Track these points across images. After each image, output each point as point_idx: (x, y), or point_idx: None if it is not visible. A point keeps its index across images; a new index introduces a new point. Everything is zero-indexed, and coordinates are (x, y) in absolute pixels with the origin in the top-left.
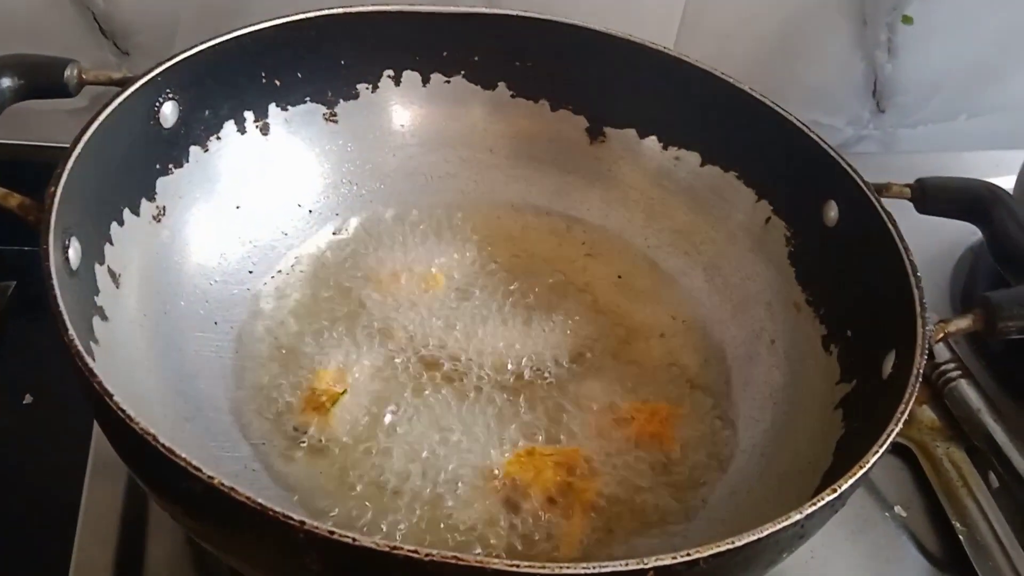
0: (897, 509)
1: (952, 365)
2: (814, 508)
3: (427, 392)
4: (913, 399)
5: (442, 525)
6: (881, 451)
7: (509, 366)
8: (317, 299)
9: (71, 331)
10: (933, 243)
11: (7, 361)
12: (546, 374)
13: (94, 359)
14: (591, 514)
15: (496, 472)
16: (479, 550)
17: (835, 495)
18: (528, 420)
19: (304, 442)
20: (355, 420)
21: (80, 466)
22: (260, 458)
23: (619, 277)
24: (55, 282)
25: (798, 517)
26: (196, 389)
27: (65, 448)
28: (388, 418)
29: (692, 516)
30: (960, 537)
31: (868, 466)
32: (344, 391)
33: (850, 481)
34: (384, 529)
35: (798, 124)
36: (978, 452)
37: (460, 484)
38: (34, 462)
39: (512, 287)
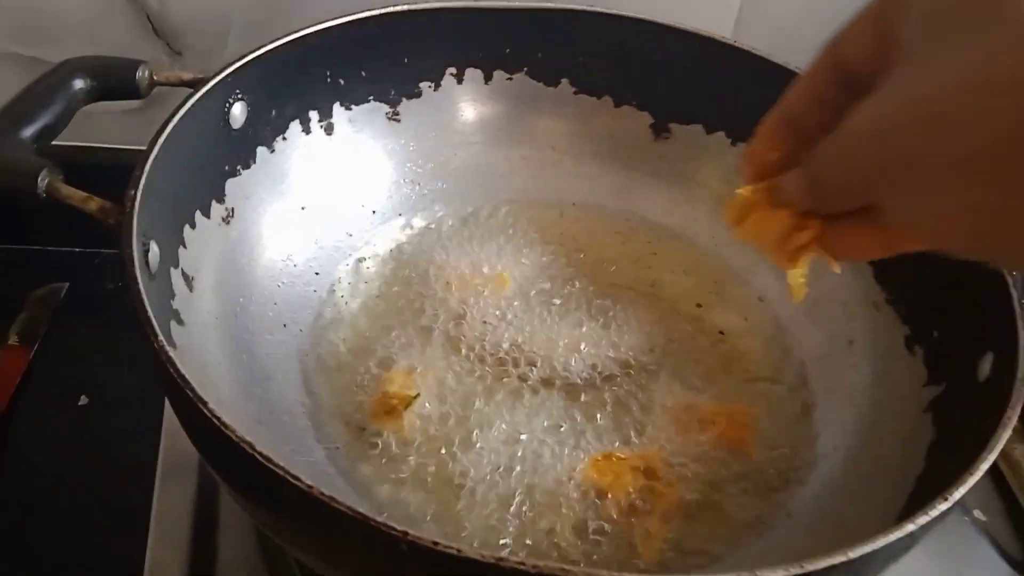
0: (976, 513)
1: None
2: (928, 518)
3: (499, 394)
4: (1021, 402)
5: (520, 530)
6: (991, 457)
7: (580, 367)
8: (383, 300)
9: (160, 337)
10: None
11: (61, 362)
12: (619, 375)
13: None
14: (671, 519)
15: (574, 476)
16: (556, 555)
17: (948, 503)
18: (604, 422)
19: (378, 445)
20: (427, 423)
21: (143, 466)
22: (334, 462)
23: (685, 276)
24: (141, 287)
25: (912, 528)
26: (268, 392)
27: (126, 449)
28: (461, 421)
29: (776, 522)
30: None
31: (979, 473)
32: (417, 395)
33: (961, 489)
34: (464, 535)
35: None
36: None
37: (537, 488)
38: (95, 464)
39: (578, 286)
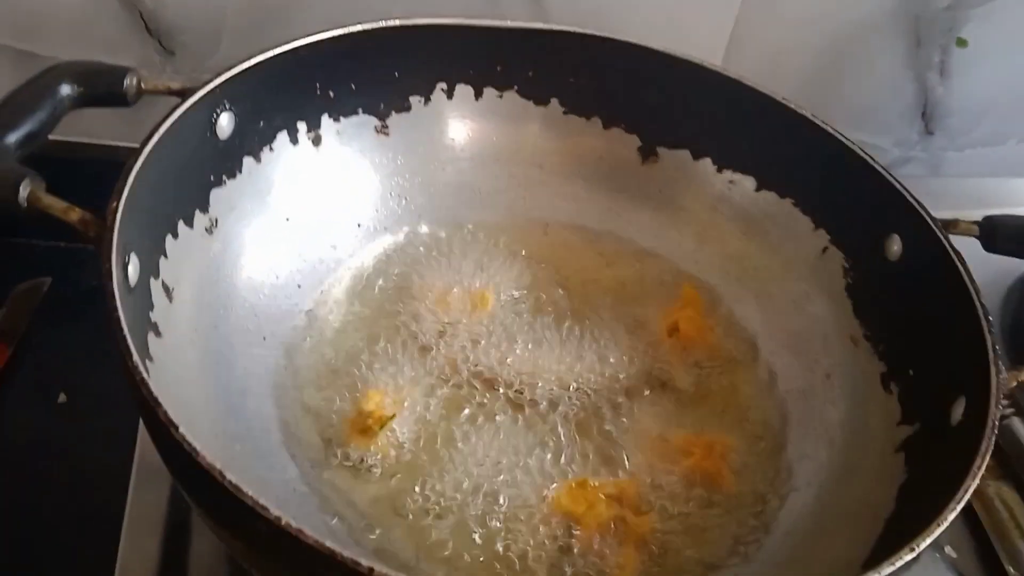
0: (948, 550)
1: (1005, 403)
2: (893, 568)
3: (476, 416)
4: (989, 452)
5: (491, 557)
6: (959, 508)
7: (559, 390)
8: (365, 316)
9: (135, 357)
10: (980, 272)
11: (41, 359)
12: (597, 400)
13: (150, 378)
14: (643, 550)
15: (547, 503)
16: None
17: (913, 555)
18: (579, 448)
19: (352, 465)
20: (403, 443)
21: (119, 466)
22: (307, 481)
23: (668, 301)
24: (118, 304)
25: None
26: (245, 407)
27: (103, 448)
28: (436, 442)
29: (747, 556)
30: None
31: (946, 523)
32: (392, 416)
33: (927, 540)
34: (432, 558)
35: (861, 153)
36: None
37: (510, 514)
38: (72, 462)
39: (560, 307)
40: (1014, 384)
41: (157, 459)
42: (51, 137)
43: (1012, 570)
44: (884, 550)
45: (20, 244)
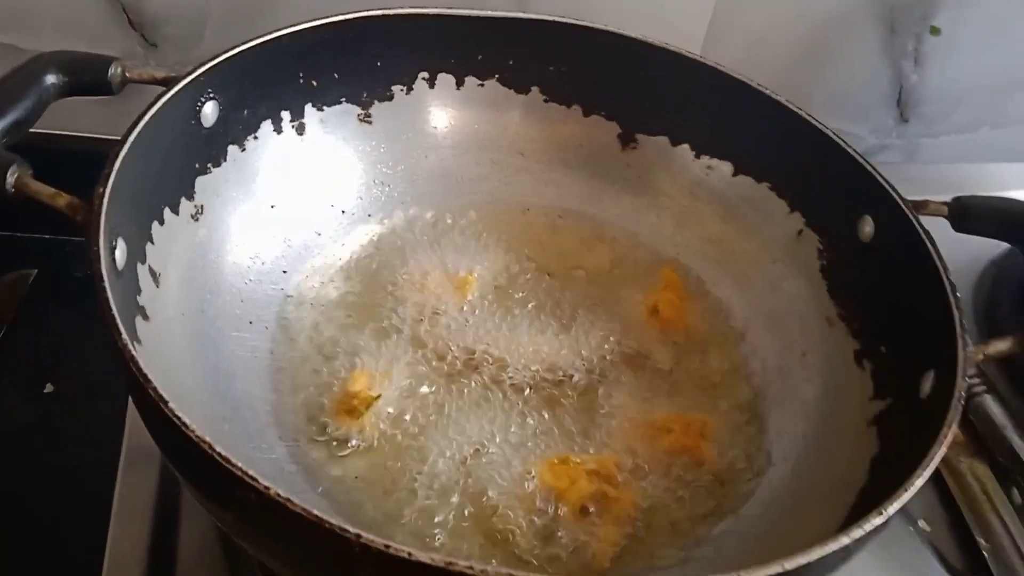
0: (921, 524)
1: (977, 380)
2: (863, 532)
3: (459, 396)
4: (955, 422)
5: (476, 532)
6: (926, 474)
7: (540, 371)
8: (350, 300)
9: (125, 336)
10: (955, 254)
11: (27, 349)
12: (578, 380)
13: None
14: (624, 524)
15: (530, 479)
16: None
17: (883, 519)
18: (561, 427)
19: (339, 444)
20: (388, 423)
21: (107, 455)
22: (296, 460)
23: (648, 284)
24: (107, 285)
25: (846, 541)
26: (233, 389)
27: (91, 437)
28: (421, 421)
29: (726, 529)
30: (984, 553)
31: (914, 489)
32: (378, 396)
33: (895, 504)
34: (418, 534)
35: (835, 138)
36: (1002, 468)
37: (494, 491)
38: (60, 452)
39: (542, 291)
40: (980, 357)
41: (146, 445)
42: (36, 128)
43: (983, 542)
44: (856, 518)
45: (5, 236)
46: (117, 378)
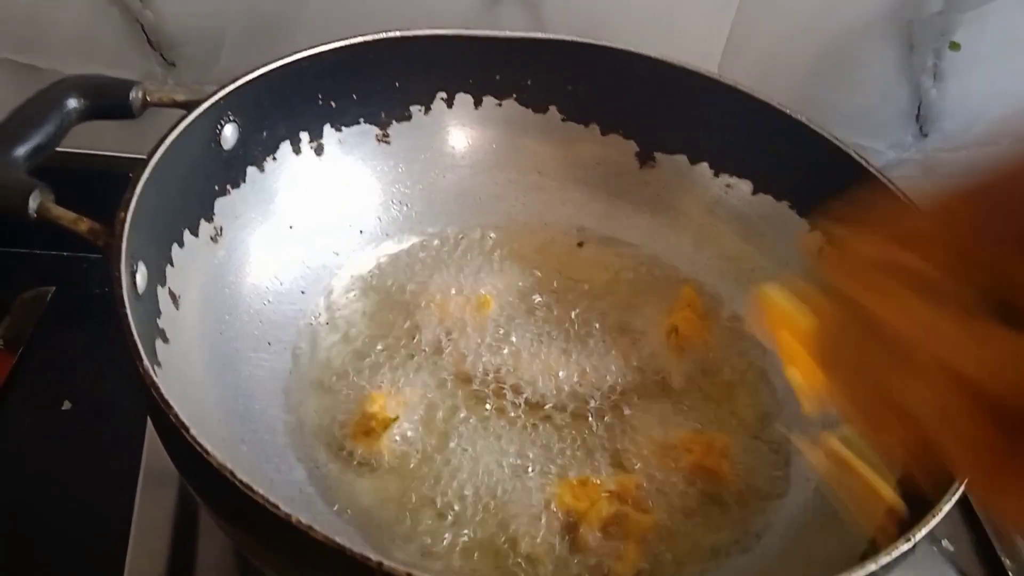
0: (945, 543)
1: None
2: (890, 558)
3: (478, 417)
4: None
5: (495, 554)
6: (954, 499)
7: (559, 392)
8: (368, 321)
9: (146, 361)
10: None
11: (45, 367)
12: (597, 402)
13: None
14: (644, 545)
15: (550, 501)
16: None
17: (909, 544)
18: (580, 448)
19: (357, 466)
20: (407, 445)
21: (125, 472)
22: (314, 482)
23: (667, 304)
24: (128, 311)
25: (873, 568)
26: (251, 410)
27: (109, 454)
28: (439, 443)
29: (747, 550)
30: (1009, 574)
31: (941, 515)
32: (395, 418)
33: (923, 530)
34: (436, 557)
35: (856, 157)
36: None
37: (513, 512)
38: (78, 469)
39: (560, 310)
40: None
41: (164, 463)
42: (60, 148)
43: (1009, 563)
44: (881, 542)
45: (24, 253)
46: (135, 395)
